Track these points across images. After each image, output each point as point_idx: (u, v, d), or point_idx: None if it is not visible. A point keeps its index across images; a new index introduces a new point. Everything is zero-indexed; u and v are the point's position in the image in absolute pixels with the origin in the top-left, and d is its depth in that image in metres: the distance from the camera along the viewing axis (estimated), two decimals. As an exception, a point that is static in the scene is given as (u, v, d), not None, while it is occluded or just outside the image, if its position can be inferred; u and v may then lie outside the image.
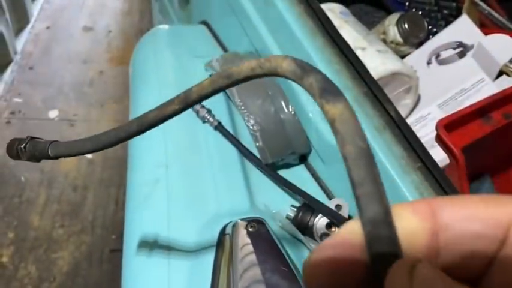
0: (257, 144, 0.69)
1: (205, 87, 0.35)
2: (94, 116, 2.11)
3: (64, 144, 0.47)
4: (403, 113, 0.81)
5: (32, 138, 0.50)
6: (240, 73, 0.31)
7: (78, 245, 1.62)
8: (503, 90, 0.67)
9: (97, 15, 2.75)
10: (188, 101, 0.37)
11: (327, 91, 0.23)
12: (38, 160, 0.50)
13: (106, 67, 2.38)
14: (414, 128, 0.79)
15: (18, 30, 2.47)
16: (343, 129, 0.21)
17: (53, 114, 2.09)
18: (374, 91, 0.64)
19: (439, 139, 0.63)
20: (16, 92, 2.16)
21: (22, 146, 0.49)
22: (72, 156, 0.48)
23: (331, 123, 0.22)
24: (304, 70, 0.25)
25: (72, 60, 2.41)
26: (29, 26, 2.55)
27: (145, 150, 0.76)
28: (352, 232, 0.20)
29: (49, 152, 0.47)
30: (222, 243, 0.59)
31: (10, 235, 1.61)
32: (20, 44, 2.41)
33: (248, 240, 0.56)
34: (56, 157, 0.48)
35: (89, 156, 1.91)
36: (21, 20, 2.50)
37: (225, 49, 0.93)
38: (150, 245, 0.64)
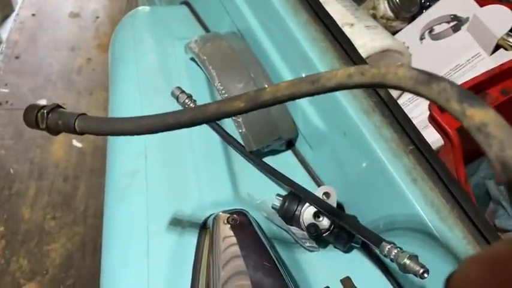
0: (240, 130, 0.65)
1: (282, 89, 0.30)
2: (83, 105, 2.06)
3: (96, 120, 0.41)
4: (396, 92, 0.77)
5: (59, 106, 0.45)
6: (331, 79, 0.26)
7: (70, 236, 1.59)
8: (501, 65, 0.63)
9: (83, 1, 2.67)
10: (258, 101, 0.32)
11: (467, 95, 0.22)
12: (58, 132, 0.44)
13: (94, 54, 2.32)
14: (407, 108, 0.75)
15: (3, 19, 2.40)
16: (502, 134, 0.21)
17: (42, 103, 2.03)
18: (362, 70, 0.60)
19: (432, 119, 0.59)
20: (3, 83, 2.11)
21: (46, 111, 0.43)
22: (102, 135, 0.41)
23: (479, 127, 0.21)
24: (431, 75, 0.23)
25: (59, 47, 2.34)
26: (14, 14, 2.47)
27: (124, 139, 0.72)
28: None
29: (75, 125, 0.41)
30: (203, 237, 0.55)
31: (0, 228, 1.58)
32: (4, 32, 2.34)
33: (229, 234, 0.52)
34: (82, 133, 0.41)
35: (79, 145, 1.87)
36: (5, 8, 2.43)
37: (206, 30, 0.88)
38: (128, 238, 0.60)
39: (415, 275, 0.41)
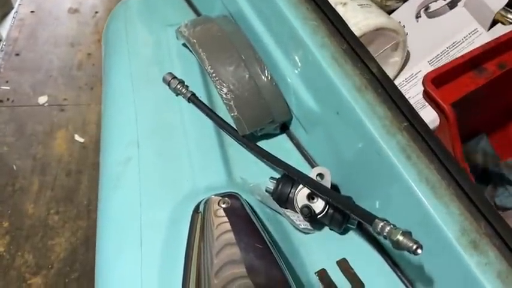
0: (232, 114, 0.64)
1: None
2: (84, 100, 2.06)
3: None
4: (392, 72, 0.76)
5: None
6: None
7: (74, 230, 1.60)
8: (497, 38, 0.61)
9: (82, -4, 2.66)
10: None
11: None
12: None
13: (94, 49, 2.31)
14: (403, 88, 0.74)
15: (2, 16, 2.40)
16: None
17: (43, 99, 2.04)
18: (354, 48, 0.58)
19: (426, 95, 0.58)
20: (4, 80, 2.11)
21: None
22: None
23: None
24: None
25: (59, 43, 2.34)
26: (13, 11, 2.47)
27: (117, 128, 0.71)
28: None
29: None
30: (195, 221, 0.54)
31: (5, 224, 1.59)
32: (4, 30, 2.34)
33: (221, 216, 0.52)
34: None
35: (81, 140, 1.87)
36: (4, 5, 2.42)
37: (198, 15, 0.87)
38: (122, 225, 0.60)
39: (409, 251, 0.40)
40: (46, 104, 2.02)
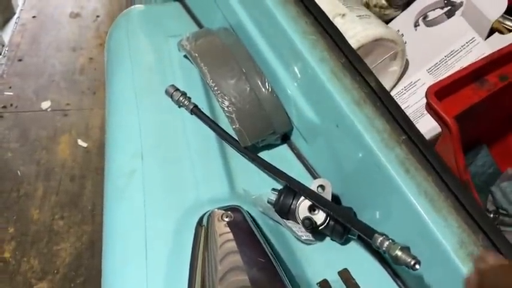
0: (234, 126, 0.65)
1: None
2: (87, 104, 2.08)
3: None
4: (391, 81, 0.76)
5: None
6: None
7: (79, 235, 1.61)
8: (499, 50, 0.62)
9: (83, 1, 2.68)
10: None
11: None
12: None
13: (96, 53, 2.33)
14: (402, 97, 0.75)
15: (4, 22, 2.41)
16: None
17: (46, 105, 2.05)
18: (353, 62, 0.59)
19: (429, 107, 0.58)
20: (7, 85, 2.12)
21: None
22: None
23: None
24: None
25: (61, 48, 2.36)
26: (15, 17, 2.49)
27: (121, 140, 0.73)
28: None
29: None
30: (199, 234, 0.56)
31: (10, 230, 1.61)
32: (6, 36, 2.36)
33: (224, 230, 0.53)
34: None
35: (84, 144, 1.89)
36: (6, 11, 2.44)
37: (200, 26, 0.88)
38: (127, 237, 0.61)
39: (407, 266, 0.41)
40: (49, 109, 2.04)
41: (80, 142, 1.91)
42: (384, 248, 0.43)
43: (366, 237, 0.46)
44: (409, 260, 0.41)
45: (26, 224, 1.63)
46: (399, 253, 0.42)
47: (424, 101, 0.61)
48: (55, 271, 1.52)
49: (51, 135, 1.93)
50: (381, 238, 0.44)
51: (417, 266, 0.41)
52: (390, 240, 0.44)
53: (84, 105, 2.07)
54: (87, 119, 2.01)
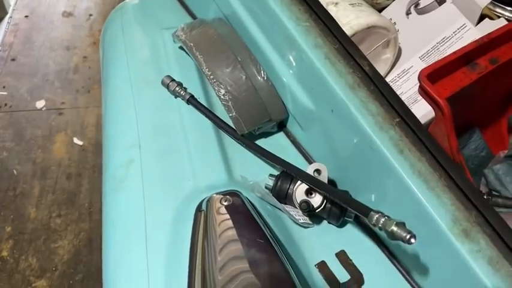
0: (230, 114, 0.66)
1: None
2: (82, 103, 2.07)
3: None
4: (384, 68, 0.78)
5: None
6: None
7: (77, 233, 1.62)
8: (489, 34, 0.63)
9: (76, 0, 2.67)
10: None
11: None
12: None
13: (89, 52, 2.32)
14: (397, 83, 0.76)
15: (-3, 22, 2.40)
16: None
17: (40, 104, 2.05)
18: (346, 47, 0.60)
19: (422, 90, 0.60)
20: (0, 85, 2.12)
21: None
22: None
23: None
24: None
25: (55, 47, 2.35)
26: (7, 17, 2.48)
27: (118, 131, 0.73)
28: None
29: None
30: (198, 219, 0.56)
31: (8, 229, 1.61)
32: (-1, 35, 2.35)
33: (223, 214, 0.54)
34: None
35: (80, 143, 1.89)
36: (-2, 11, 2.43)
37: (194, 17, 0.88)
38: (127, 226, 0.62)
39: (403, 241, 0.42)
40: (44, 108, 2.03)
41: (76, 140, 1.91)
42: (380, 225, 0.44)
43: (362, 215, 0.47)
44: (404, 234, 0.42)
45: (23, 223, 1.63)
46: (395, 228, 0.43)
47: (417, 87, 0.63)
48: (53, 268, 1.52)
49: (47, 134, 1.92)
50: (377, 215, 0.45)
51: (412, 240, 0.42)
52: (386, 217, 0.45)
53: (79, 104, 2.07)
54: (83, 118, 2.01)
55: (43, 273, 1.51)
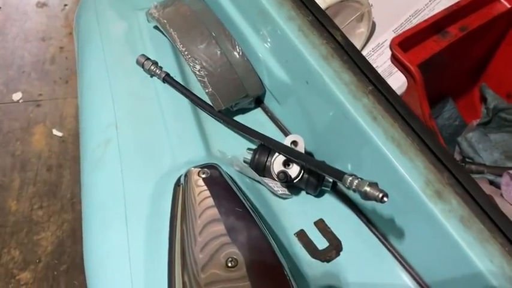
0: (207, 90, 0.66)
1: None
2: (60, 94, 2.04)
3: None
4: (359, 42, 0.78)
5: None
6: None
7: (60, 224, 1.60)
8: (458, 2, 0.64)
9: (50, -11, 2.61)
10: None
11: None
12: None
13: (66, 42, 2.28)
14: (372, 57, 0.77)
15: (-32, 14, 2.34)
16: None
17: (17, 96, 2.01)
18: (319, 19, 0.61)
19: (394, 58, 0.61)
20: (-25, 79, 2.07)
21: None
22: None
23: None
24: None
25: (30, 38, 2.30)
26: (-21, 8, 2.42)
27: (94, 112, 0.73)
28: None
29: None
30: (177, 194, 0.56)
31: (-12, 223, 1.58)
32: (-29, 28, 2.29)
33: (202, 186, 0.54)
34: None
35: (60, 134, 1.86)
36: (-31, 2, 2.36)
37: (168, -2, 0.87)
38: (106, 204, 0.62)
39: (376, 200, 0.43)
40: (21, 101, 2.00)
41: (55, 132, 1.88)
42: (353, 187, 0.45)
43: (337, 179, 0.48)
44: (377, 193, 0.43)
45: (4, 216, 1.61)
46: (368, 188, 0.44)
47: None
48: (37, 260, 1.50)
49: (25, 127, 1.89)
50: (351, 178, 0.46)
51: (385, 199, 0.43)
52: (359, 179, 0.45)
53: (57, 95, 2.04)
54: (61, 109, 1.98)
55: (27, 266, 1.49)
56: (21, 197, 1.66)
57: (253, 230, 0.50)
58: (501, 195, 0.62)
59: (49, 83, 2.08)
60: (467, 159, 0.69)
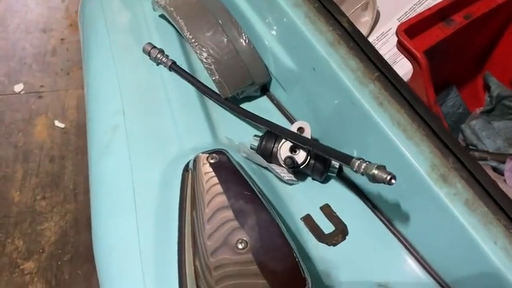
0: (213, 78, 0.66)
1: None
2: (62, 85, 2.04)
3: None
4: (364, 31, 0.79)
5: None
6: None
7: (63, 214, 1.61)
8: (463, -10, 0.65)
9: (50, -19, 2.60)
10: None
11: None
12: None
13: (67, 34, 2.28)
14: (376, 46, 0.77)
15: (-31, 5, 2.33)
16: None
17: (19, 88, 2.01)
18: (325, 5, 0.61)
19: (400, 44, 0.61)
20: (-24, 70, 2.07)
21: None
22: None
23: None
24: None
25: (31, 30, 2.30)
26: (-21, 0, 2.41)
27: (101, 98, 0.73)
28: None
29: None
30: (185, 179, 0.57)
31: (-8, 213, 1.59)
32: (-28, 19, 2.28)
33: (210, 171, 0.55)
34: None
35: (62, 125, 1.87)
36: (-31, -7, 2.36)
37: (173, -13, 0.88)
38: (115, 190, 0.62)
39: (384, 182, 0.44)
40: (23, 92, 2.00)
41: (57, 123, 1.88)
42: (361, 170, 0.46)
43: (345, 163, 0.49)
44: (385, 176, 0.44)
45: (7, 206, 1.61)
46: (376, 171, 0.44)
47: (396, 49, 0.64)
48: (41, 250, 1.52)
49: (27, 118, 1.90)
50: (358, 162, 0.47)
51: (393, 181, 0.43)
52: (367, 162, 0.46)
53: (59, 87, 2.04)
54: (63, 100, 1.98)
55: (30, 255, 1.50)
56: (24, 188, 1.67)
57: (262, 213, 0.50)
58: (504, 181, 0.63)
59: (51, 74, 2.08)
60: (470, 147, 0.70)
